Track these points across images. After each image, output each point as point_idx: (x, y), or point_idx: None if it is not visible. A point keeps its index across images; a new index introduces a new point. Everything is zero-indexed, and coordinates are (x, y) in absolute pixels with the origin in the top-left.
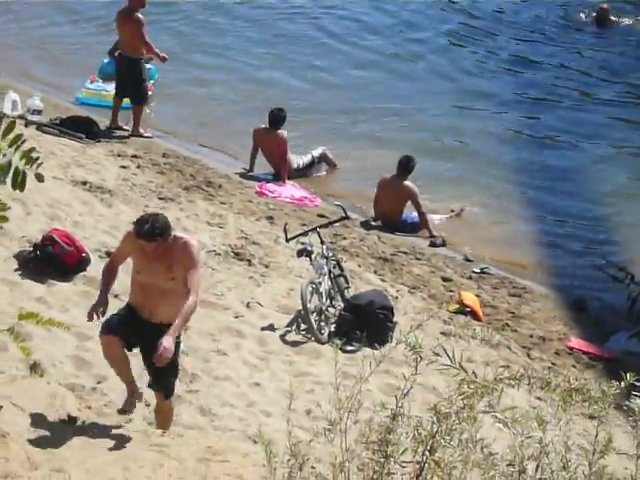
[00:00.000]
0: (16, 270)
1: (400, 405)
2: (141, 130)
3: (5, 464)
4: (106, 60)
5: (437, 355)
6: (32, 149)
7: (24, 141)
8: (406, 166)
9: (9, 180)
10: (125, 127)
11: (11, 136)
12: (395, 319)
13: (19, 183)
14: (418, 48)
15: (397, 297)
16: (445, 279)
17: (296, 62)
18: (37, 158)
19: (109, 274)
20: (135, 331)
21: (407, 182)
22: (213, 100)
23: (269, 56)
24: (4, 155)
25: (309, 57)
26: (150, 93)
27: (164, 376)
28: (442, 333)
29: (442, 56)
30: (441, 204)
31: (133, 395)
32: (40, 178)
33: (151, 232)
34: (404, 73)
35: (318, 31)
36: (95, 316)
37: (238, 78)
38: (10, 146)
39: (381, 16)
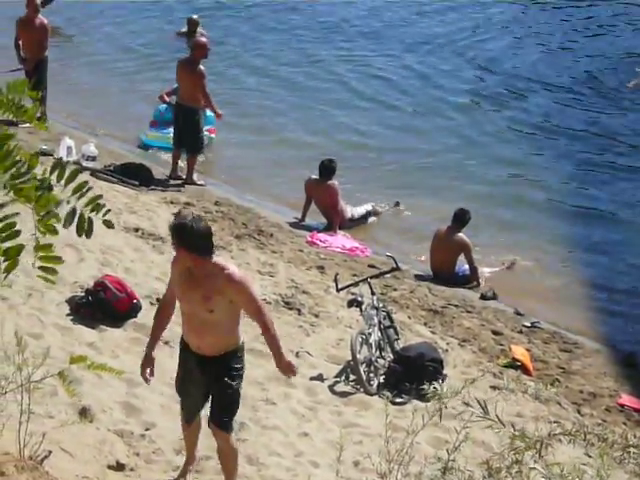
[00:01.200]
0: (68, 315)
1: (452, 459)
2: (194, 178)
3: None
4: (162, 107)
5: (483, 409)
6: (99, 196)
7: (89, 189)
8: (461, 218)
9: (73, 227)
10: (182, 176)
11: (75, 184)
12: (445, 372)
13: (86, 230)
14: (450, 105)
15: (447, 350)
16: (495, 332)
17: (334, 116)
18: (104, 205)
19: (160, 314)
20: (198, 379)
21: (461, 234)
22: (266, 149)
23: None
24: (68, 202)
25: (347, 112)
26: (213, 136)
27: (226, 405)
28: (492, 387)
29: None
30: (493, 256)
31: (190, 464)
32: (109, 225)
33: (192, 240)
34: (443, 127)
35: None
36: (148, 376)
37: (293, 126)
38: (74, 193)
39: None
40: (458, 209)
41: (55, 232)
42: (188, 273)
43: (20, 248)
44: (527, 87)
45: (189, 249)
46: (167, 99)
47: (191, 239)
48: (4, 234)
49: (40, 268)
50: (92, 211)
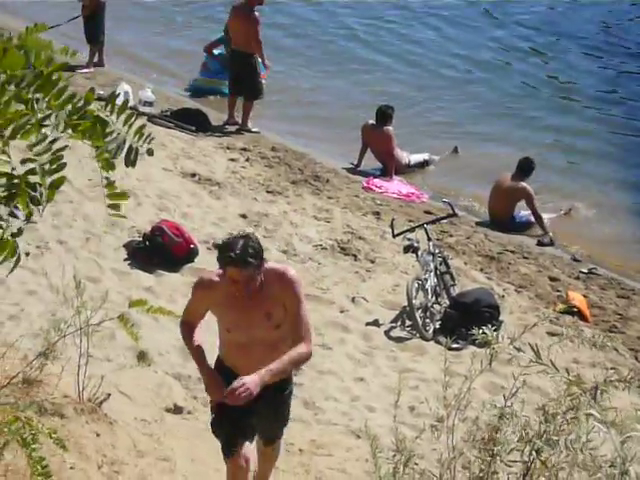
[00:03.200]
0: (125, 260)
1: (509, 404)
2: (249, 125)
3: (112, 451)
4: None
5: (535, 354)
6: (143, 125)
7: (137, 117)
8: (525, 167)
9: (121, 160)
10: (239, 121)
11: (124, 116)
12: (501, 318)
13: (131, 160)
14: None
15: (503, 296)
16: (552, 279)
17: (408, 62)
18: (149, 134)
19: (192, 339)
20: (248, 408)
21: (524, 183)
22: (323, 94)
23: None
24: (118, 134)
25: (419, 58)
26: (264, 81)
27: (284, 418)
28: (548, 333)
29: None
30: (551, 203)
31: None
32: (150, 152)
33: (243, 255)
34: (509, 74)
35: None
36: (225, 397)
37: (351, 73)
38: (124, 124)
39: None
40: (523, 158)
41: (112, 167)
42: (234, 298)
43: (62, 180)
44: (588, 43)
45: (248, 265)
46: (213, 51)
47: (250, 257)
48: (53, 166)
49: (109, 206)
50: (138, 140)
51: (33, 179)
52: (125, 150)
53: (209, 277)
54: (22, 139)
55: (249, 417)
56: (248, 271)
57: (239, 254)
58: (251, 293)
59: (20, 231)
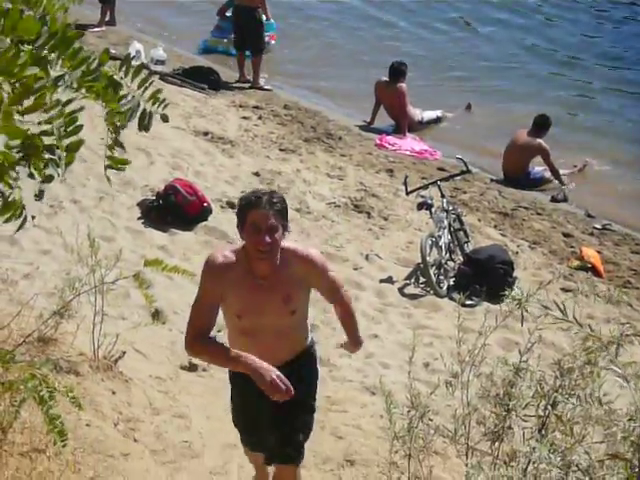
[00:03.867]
0: (139, 219)
1: (524, 359)
2: (261, 82)
3: (128, 409)
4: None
5: (549, 309)
6: (159, 90)
7: (152, 83)
8: (541, 124)
9: (134, 123)
10: (249, 78)
11: (139, 78)
12: (515, 274)
13: (145, 124)
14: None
15: (517, 252)
16: (566, 235)
17: (425, 17)
18: (164, 100)
19: (209, 344)
20: (267, 404)
21: (540, 140)
22: (335, 50)
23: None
24: (133, 97)
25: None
26: (273, 42)
27: (299, 431)
28: (562, 289)
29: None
30: (562, 159)
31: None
32: (165, 118)
33: (270, 198)
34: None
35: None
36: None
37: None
38: (139, 87)
39: None
40: (538, 114)
41: (119, 130)
42: (251, 277)
43: (80, 143)
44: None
45: (269, 206)
46: (226, 14)
47: (277, 204)
48: (68, 129)
49: (107, 167)
50: (153, 104)
51: (49, 141)
52: (139, 114)
53: (222, 254)
54: (37, 101)
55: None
56: (274, 217)
57: (266, 197)
58: (264, 275)
59: (41, 193)
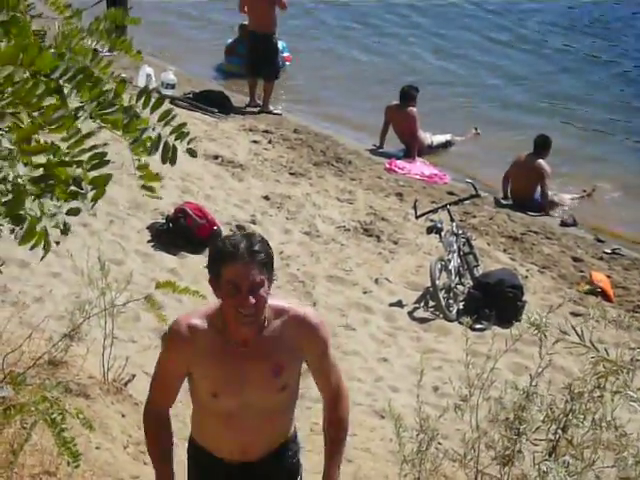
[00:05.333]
0: (149, 242)
1: (534, 384)
2: (271, 107)
3: (138, 432)
4: (230, 40)
5: (565, 334)
6: (183, 124)
7: (174, 116)
8: (540, 144)
9: (158, 155)
10: (260, 103)
11: (161, 111)
12: (524, 298)
13: (170, 158)
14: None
15: (527, 276)
16: (575, 259)
17: (438, 43)
18: (188, 133)
19: (159, 429)
20: None
21: (540, 160)
22: (345, 74)
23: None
24: (153, 129)
25: (448, 40)
26: (288, 63)
27: None
28: (572, 313)
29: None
30: (572, 186)
31: None
32: (192, 153)
33: (250, 246)
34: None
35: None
36: None
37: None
38: (160, 120)
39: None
40: (538, 135)
41: (147, 153)
42: (228, 346)
43: (108, 177)
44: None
45: (250, 256)
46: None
47: (261, 252)
48: (93, 162)
49: (142, 187)
50: (177, 139)
51: (73, 173)
52: (161, 147)
53: (188, 319)
54: (56, 132)
55: None
56: (258, 270)
57: (245, 245)
58: (257, 317)
59: (67, 228)
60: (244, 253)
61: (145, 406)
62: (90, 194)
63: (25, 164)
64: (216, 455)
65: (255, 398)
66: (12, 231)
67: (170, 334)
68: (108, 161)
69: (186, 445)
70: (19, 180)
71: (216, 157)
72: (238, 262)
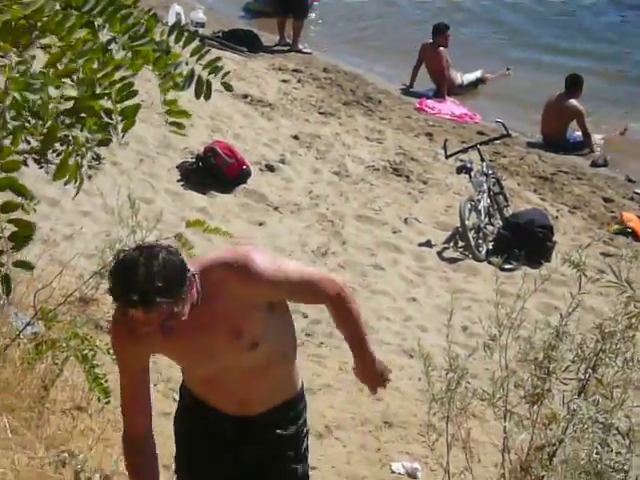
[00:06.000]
0: (178, 181)
1: (564, 323)
2: (300, 46)
3: (168, 369)
4: None
5: (603, 273)
6: (218, 59)
7: (207, 51)
8: (573, 84)
9: (188, 92)
10: (289, 41)
11: (193, 46)
12: (554, 238)
13: (205, 92)
14: None
15: (557, 216)
16: (606, 199)
17: None
18: (222, 67)
19: (141, 458)
20: (230, 460)
21: (573, 100)
22: (375, 14)
23: None
24: (186, 64)
25: None
26: (317, 3)
27: None
28: (602, 254)
29: None
30: (604, 125)
31: None
32: (228, 87)
33: (147, 290)
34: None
35: None
36: None
37: None
38: (192, 55)
39: None
40: (570, 75)
41: (180, 89)
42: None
43: (137, 107)
44: None
45: (147, 306)
46: None
47: (161, 291)
48: (123, 93)
49: (170, 123)
50: (210, 73)
51: (103, 105)
52: (194, 82)
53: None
54: (85, 65)
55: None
56: (160, 310)
57: (141, 290)
58: (175, 326)
59: (99, 158)
60: (140, 302)
61: (122, 437)
62: (120, 125)
63: (57, 87)
64: (213, 405)
65: (228, 362)
66: (40, 167)
67: (114, 336)
68: (136, 91)
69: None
70: (50, 105)
71: (245, 96)
72: (137, 310)
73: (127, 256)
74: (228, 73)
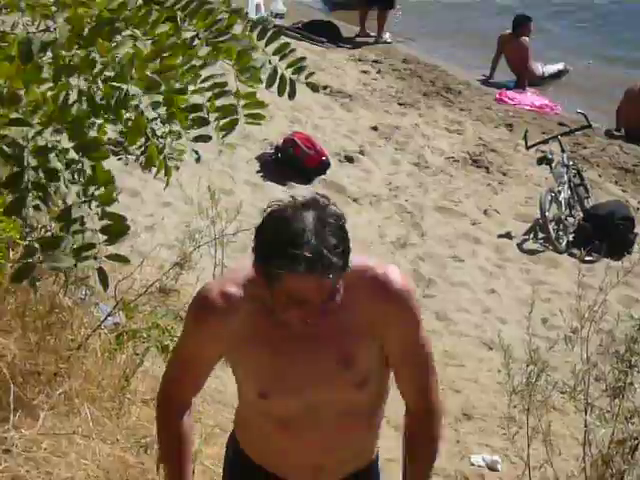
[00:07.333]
0: (258, 172)
1: None
2: (385, 36)
3: None
4: None
5: None
6: (302, 58)
7: (292, 50)
8: None
9: (274, 89)
10: (372, 34)
11: (277, 44)
12: (636, 230)
13: (288, 92)
14: None
15: (638, 208)
16: None
17: None
18: (306, 67)
19: (179, 430)
20: None
21: None
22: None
23: None
24: (270, 62)
25: None
26: None
27: None
28: None
29: None
30: None
31: None
32: (314, 88)
33: (321, 249)
34: None
35: None
36: None
37: None
38: (275, 54)
39: None
40: None
41: (258, 82)
42: (277, 326)
43: (233, 107)
44: None
45: (324, 269)
46: None
47: (334, 258)
48: (215, 91)
49: (246, 115)
50: (294, 73)
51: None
52: (277, 81)
53: (222, 288)
54: (169, 61)
55: None
56: (331, 280)
57: (316, 247)
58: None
59: (197, 155)
60: (316, 261)
61: (158, 396)
62: (220, 123)
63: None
64: (269, 471)
65: (323, 398)
66: (119, 159)
67: (197, 305)
68: (229, 91)
69: (223, 446)
70: (137, 102)
71: (325, 87)
72: (305, 276)
73: (288, 210)
74: (313, 74)
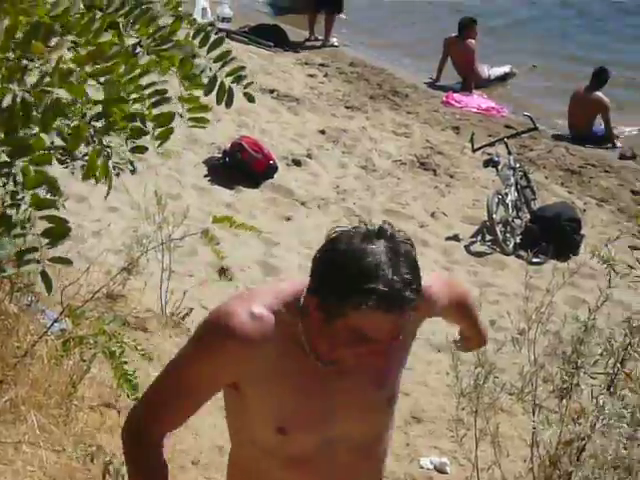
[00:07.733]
0: (205, 176)
1: (593, 317)
2: (332, 40)
3: None
4: None
5: (632, 268)
6: (242, 67)
7: (232, 58)
8: (599, 76)
9: (213, 95)
10: (320, 37)
11: (218, 52)
12: (582, 232)
13: (226, 100)
14: None
15: (584, 210)
16: (635, 192)
17: None
18: (246, 76)
19: (155, 462)
20: None
21: (599, 93)
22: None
23: None
24: (210, 69)
25: None
26: None
27: None
28: (631, 247)
29: None
30: (632, 116)
31: None
32: (250, 99)
33: (408, 286)
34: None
35: None
36: None
37: None
38: (216, 61)
39: None
40: (597, 68)
41: (204, 93)
42: (302, 360)
43: (172, 115)
44: None
45: (408, 305)
46: None
47: (412, 279)
48: (154, 99)
49: (190, 119)
50: (234, 82)
51: (135, 109)
52: (217, 88)
53: (251, 313)
54: (113, 68)
55: None
56: (406, 318)
57: (395, 283)
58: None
59: (133, 165)
60: (395, 299)
61: (133, 421)
62: (156, 132)
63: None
64: None
65: (349, 430)
66: (65, 166)
67: (216, 327)
68: (169, 98)
69: None
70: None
71: (272, 91)
72: (383, 313)
73: (360, 239)
74: (251, 83)
